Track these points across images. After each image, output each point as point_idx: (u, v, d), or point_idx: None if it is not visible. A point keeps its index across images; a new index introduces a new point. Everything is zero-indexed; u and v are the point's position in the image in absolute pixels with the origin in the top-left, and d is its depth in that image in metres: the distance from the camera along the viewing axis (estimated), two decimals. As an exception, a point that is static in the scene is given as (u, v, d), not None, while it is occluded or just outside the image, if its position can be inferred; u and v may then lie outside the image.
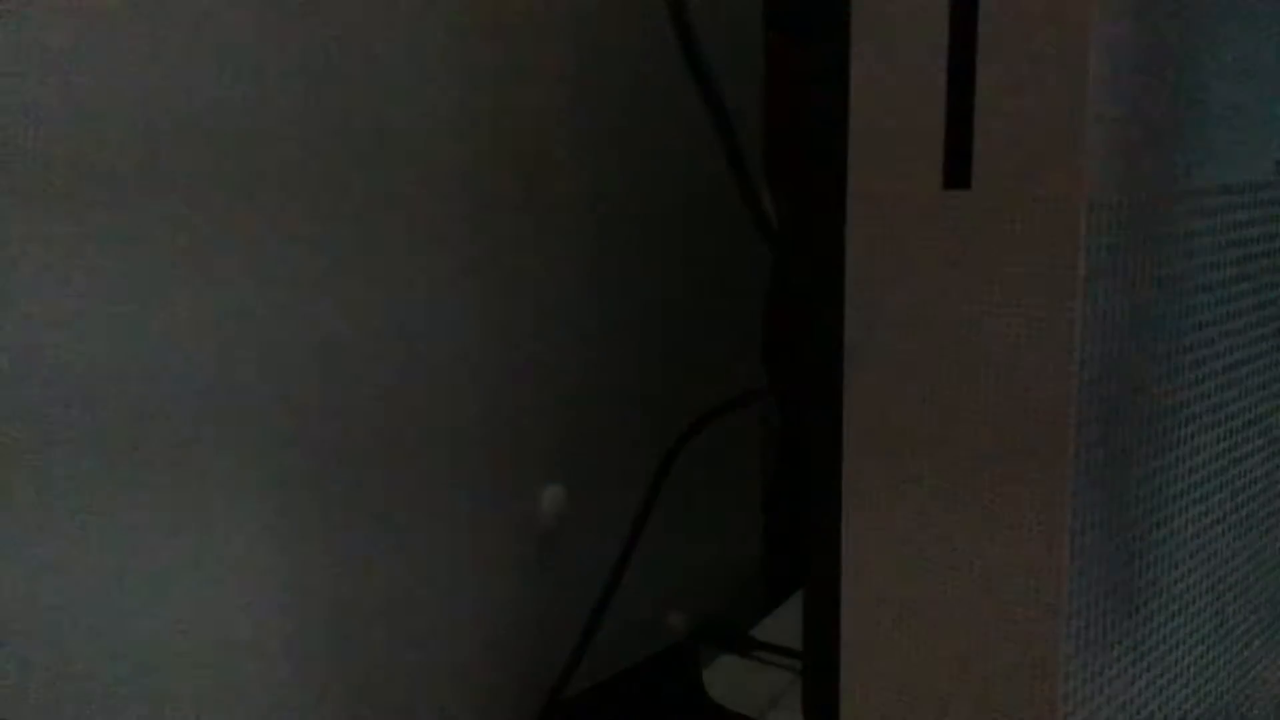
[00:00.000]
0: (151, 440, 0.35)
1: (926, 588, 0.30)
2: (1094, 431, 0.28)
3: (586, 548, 0.53)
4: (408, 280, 0.43)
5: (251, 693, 0.39)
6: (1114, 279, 0.28)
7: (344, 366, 0.41)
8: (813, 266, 0.32)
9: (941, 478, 0.29)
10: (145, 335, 0.35)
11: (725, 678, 0.56)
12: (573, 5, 0.48)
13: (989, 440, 0.28)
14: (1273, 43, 0.33)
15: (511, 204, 0.47)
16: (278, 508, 0.39)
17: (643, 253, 0.54)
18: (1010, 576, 0.29)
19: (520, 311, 0.48)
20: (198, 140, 0.35)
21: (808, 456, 0.32)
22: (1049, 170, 0.27)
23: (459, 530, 0.46)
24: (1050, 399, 0.27)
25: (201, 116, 0.35)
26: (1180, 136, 0.30)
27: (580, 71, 0.49)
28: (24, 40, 0.31)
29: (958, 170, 0.28)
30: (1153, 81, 0.28)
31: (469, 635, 0.47)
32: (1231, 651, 0.37)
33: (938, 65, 0.28)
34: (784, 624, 0.61)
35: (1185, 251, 0.31)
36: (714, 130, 0.41)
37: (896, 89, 0.29)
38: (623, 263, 0.53)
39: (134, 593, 0.35)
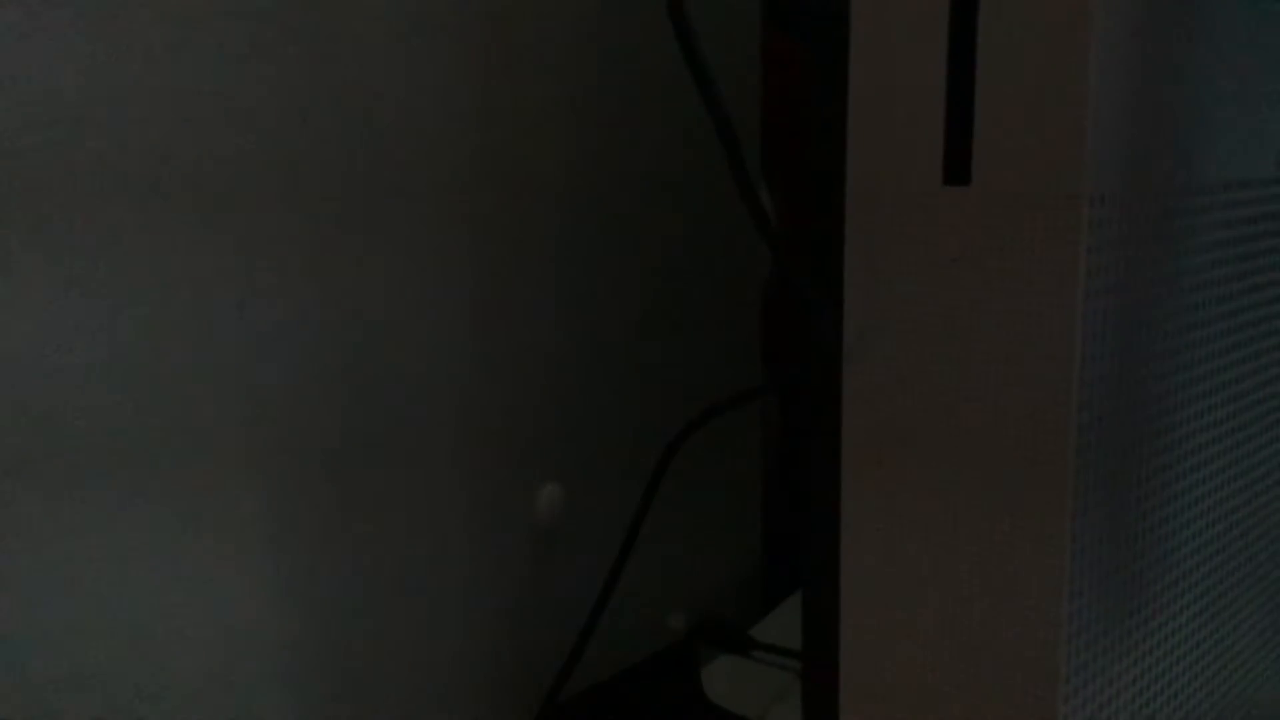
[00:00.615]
0: (150, 442, 0.35)
1: (925, 588, 0.30)
2: (1094, 430, 0.28)
3: (585, 547, 0.53)
4: (405, 279, 0.43)
5: (250, 691, 0.39)
6: (1114, 276, 0.28)
7: (341, 367, 0.41)
8: (811, 264, 0.31)
9: (940, 476, 0.29)
10: (143, 339, 0.35)
11: (724, 677, 0.56)
12: (570, 3, 0.48)
13: (988, 438, 0.28)
14: (1272, 40, 0.33)
15: (509, 202, 0.46)
16: (276, 508, 0.39)
17: (642, 250, 0.54)
18: (1010, 576, 0.28)
19: (518, 310, 0.48)
20: (195, 142, 0.35)
21: (806, 455, 0.32)
22: (1049, 166, 0.26)
23: (457, 530, 0.46)
24: (1050, 396, 0.27)
25: (195, 118, 0.35)
26: (1180, 133, 0.30)
27: (579, 69, 0.49)
28: (25, 44, 0.31)
29: (958, 166, 0.28)
30: (1153, 79, 0.28)
31: (467, 635, 0.47)
32: (1232, 653, 0.37)
33: (938, 61, 0.28)
34: (783, 624, 0.61)
35: (1186, 248, 0.30)
36: (712, 128, 0.41)
37: (896, 85, 0.29)
38: (621, 260, 0.53)
39: (134, 593, 0.35)
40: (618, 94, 0.51)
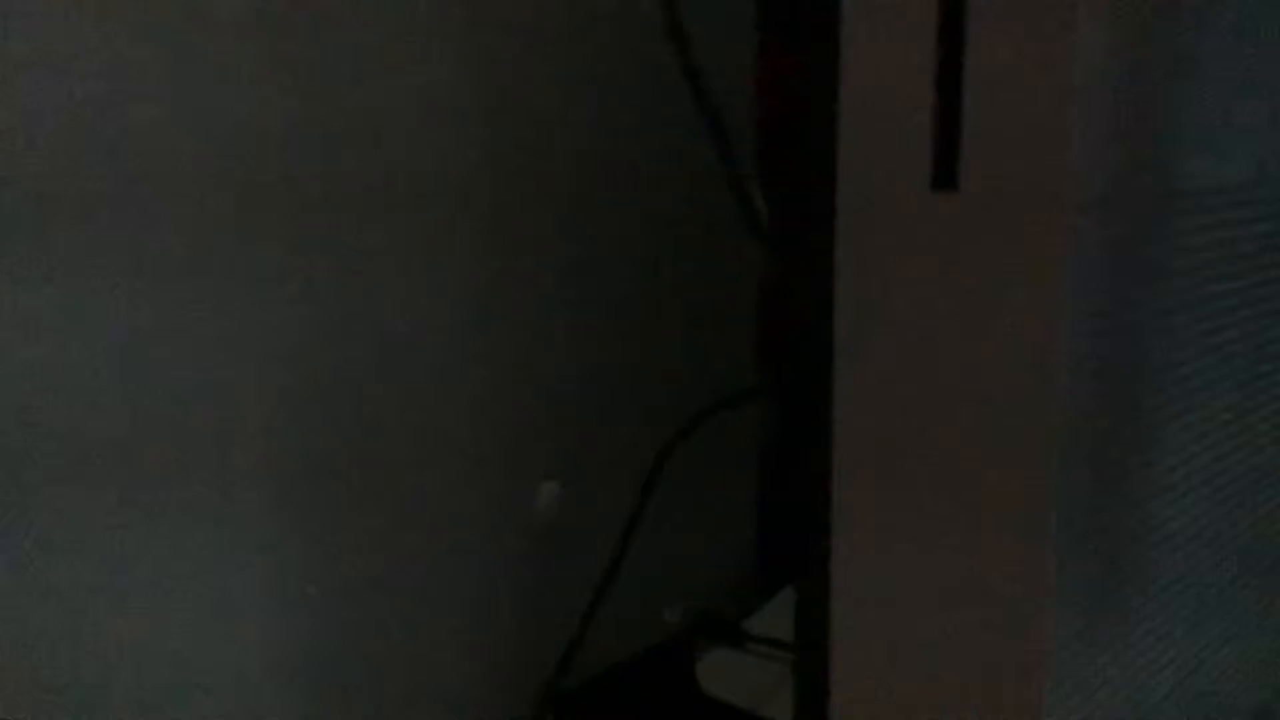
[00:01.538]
0: (151, 442, 0.35)
1: (914, 587, 0.30)
2: (1079, 434, 0.28)
3: (583, 543, 0.54)
4: (405, 280, 0.43)
5: (253, 686, 0.39)
6: (1101, 279, 0.28)
7: (342, 367, 0.41)
8: (804, 266, 0.32)
9: (929, 477, 0.29)
10: (145, 342, 0.35)
11: (719, 670, 0.56)
12: (567, 5, 0.48)
13: (974, 440, 0.29)
14: (1257, 43, 0.33)
15: (507, 204, 0.47)
16: (278, 506, 0.39)
17: (638, 251, 0.54)
18: (995, 575, 0.29)
19: (516, 310, 0.48)
20: (195, 146, 0.35)
21: (800, 454, 0.33)
22: (1036, 171, 0.27)
23: (456, 526, 0.47)
24: (1035, 400, 0.28)
25: (198, 122, 0.36)
26: (1166, 137, 0.30)
27: (574, 72, 0.49)
28: (26, 48, 0.31)
29: (945, 171, 0.28)
30: (1139, 82, 0.28)
31: (466, 630, 0.48)
32: (1216, 661, 0.37)
33: (926, 67, 0.28)
34: (777, 617, 0.61)
35: (1172, 251, 0.31)
36: (706, 130, 0.41)
37: (885, 90, 0.29)
38: (618, 261, 0.53)
39: (135, 594, 0.36)
40: (616, 96, 0.52)
